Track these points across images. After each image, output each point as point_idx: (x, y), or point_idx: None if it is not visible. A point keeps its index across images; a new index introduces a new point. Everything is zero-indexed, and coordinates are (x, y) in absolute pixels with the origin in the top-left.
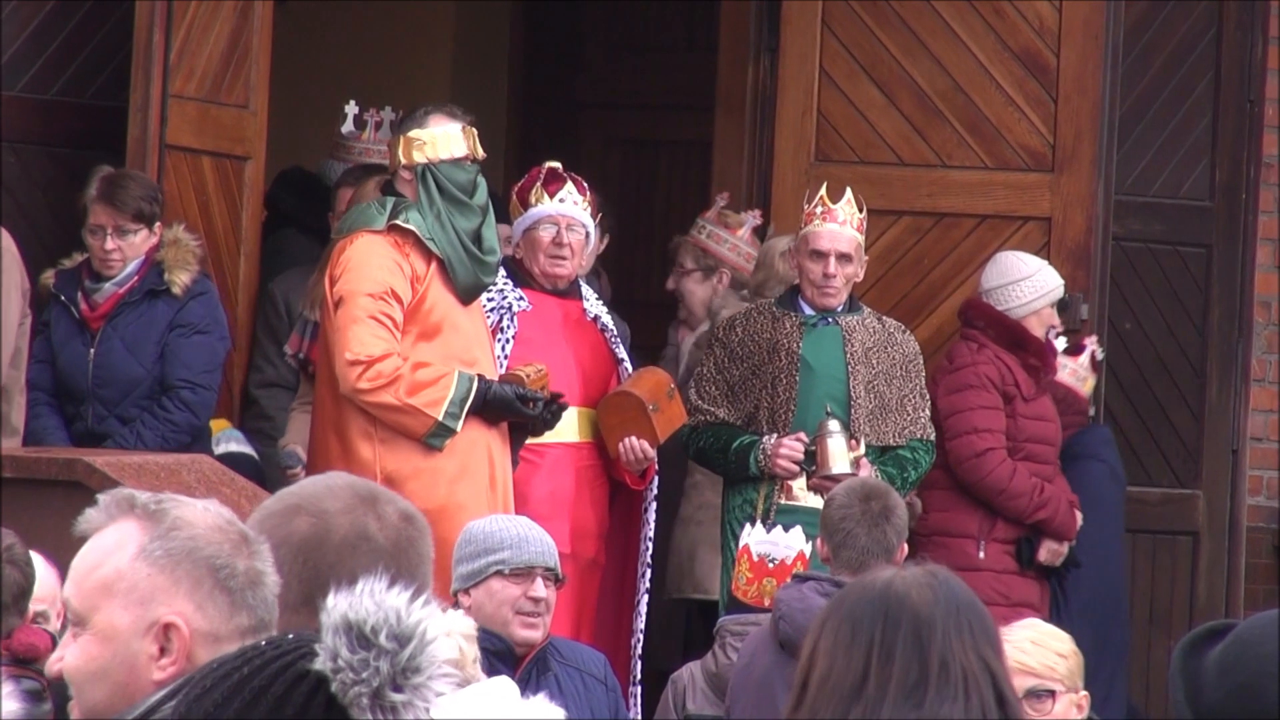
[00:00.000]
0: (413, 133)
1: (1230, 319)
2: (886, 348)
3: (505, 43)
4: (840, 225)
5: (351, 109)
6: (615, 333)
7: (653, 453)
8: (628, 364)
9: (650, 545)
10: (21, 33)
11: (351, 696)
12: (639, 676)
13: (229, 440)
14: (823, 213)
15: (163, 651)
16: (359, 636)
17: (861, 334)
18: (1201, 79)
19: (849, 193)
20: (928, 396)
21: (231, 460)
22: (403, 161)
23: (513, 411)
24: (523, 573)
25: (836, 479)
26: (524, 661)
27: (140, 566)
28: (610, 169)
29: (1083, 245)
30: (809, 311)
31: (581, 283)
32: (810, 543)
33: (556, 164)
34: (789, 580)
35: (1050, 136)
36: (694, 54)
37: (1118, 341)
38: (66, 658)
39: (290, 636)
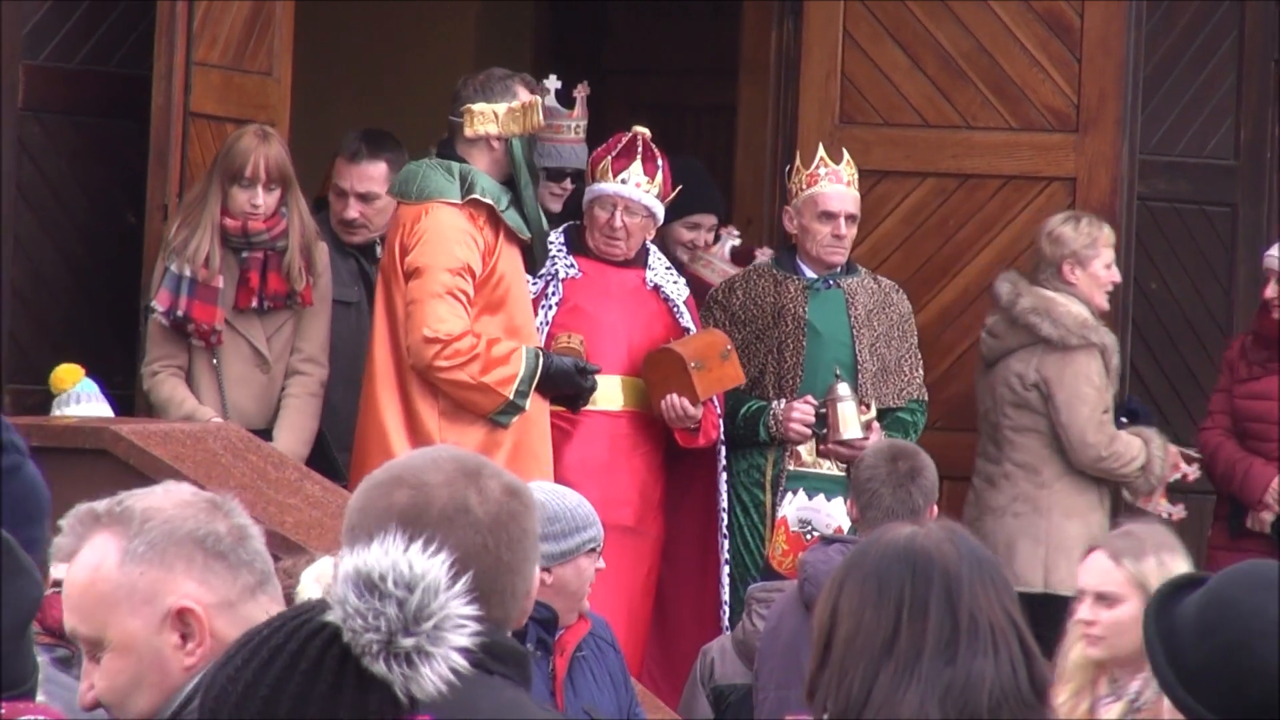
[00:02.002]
0: (513, 103)
1: (1256, 278)
2: (885, 309)
3: (530, 8)
4: (846, 186)
5: (553, 84)
6: (678, 302)
7: (695, 411)
8: (692, 333)
9: (725, 515)
10: (45, 2)
11: (363, 644)
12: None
13: (84, 398)
14: (827, 174)
15: (185, 638)
16: (367, 584)
17: (863, 296)
18: (1225, 38)
19: (846, 154)
20: (920, 356)
21: None
22: (494, 131)
23: (571, 384)
24: (600, 549)
25: (849, 444)
26: (565, 631)
27: (131, 569)
28: None
29: (1108, 205)
30: (809, 274)
31: (651, 250)
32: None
33: (645, 130)
34: (817, 543)
35: (1074, 97)
36: (718, 18)
37: (1144, 301)
38: (97, 684)
39: (311, 599)
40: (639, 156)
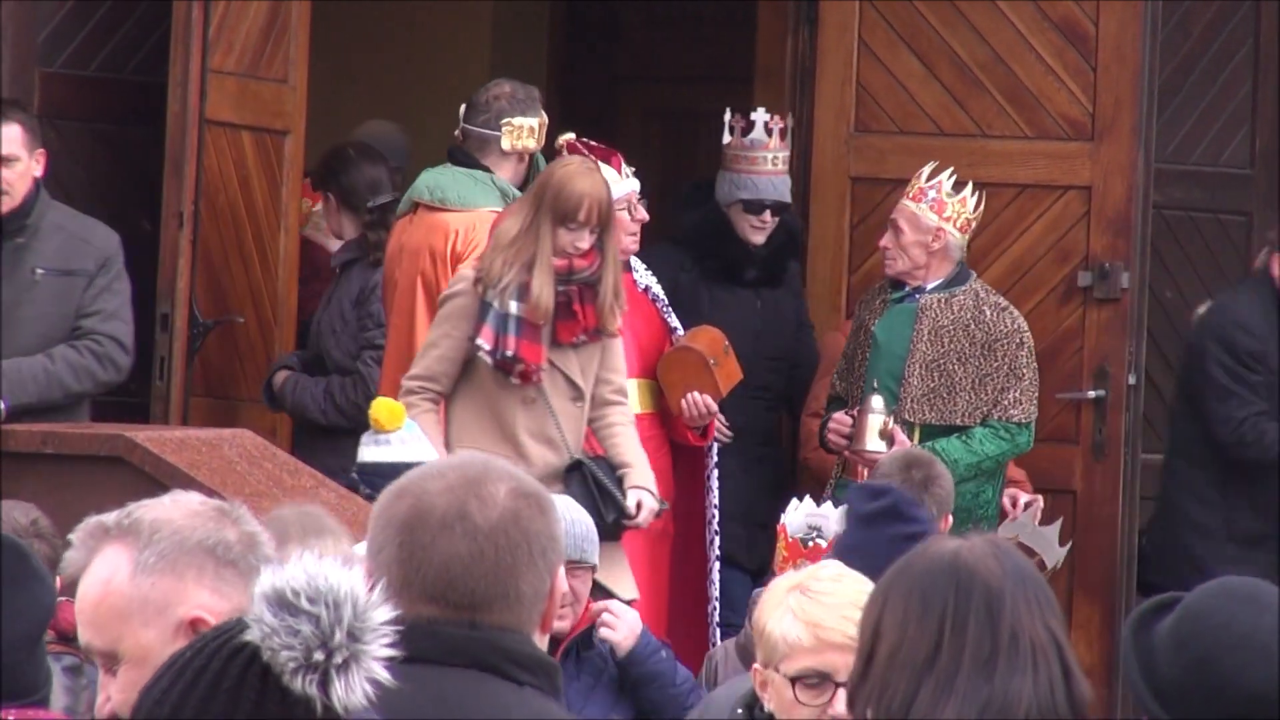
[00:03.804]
0: (540, 118)
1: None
2: (970, 325)
3: (545, 16)
4: (904, 198)
5: (761, 116)
6: (666, 302)
7: (715, 407)
8: (680, 332)
9: (716, 513)
10: (61, 9)
11: (280, 662)
12: (717, 643)
13: (408, 440)
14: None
15: None
16: (281, 602)
17: (937, 311)
18: (1241, 46)
19: (926, 170)
20: (1023, 376)
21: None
22: (532, 146)
23: None
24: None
25: (861, 455)
26: (564, 640)
27: (142, 580)
28: (650, 142)
29: (1123, 214)
30: (906, 288)
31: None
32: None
33: (571, 135)
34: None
35: (1090, 105)
36: (733, 26)
37: (1159, 310)
38: (114, 697)
39: (233, 619)
40: (608, 154)
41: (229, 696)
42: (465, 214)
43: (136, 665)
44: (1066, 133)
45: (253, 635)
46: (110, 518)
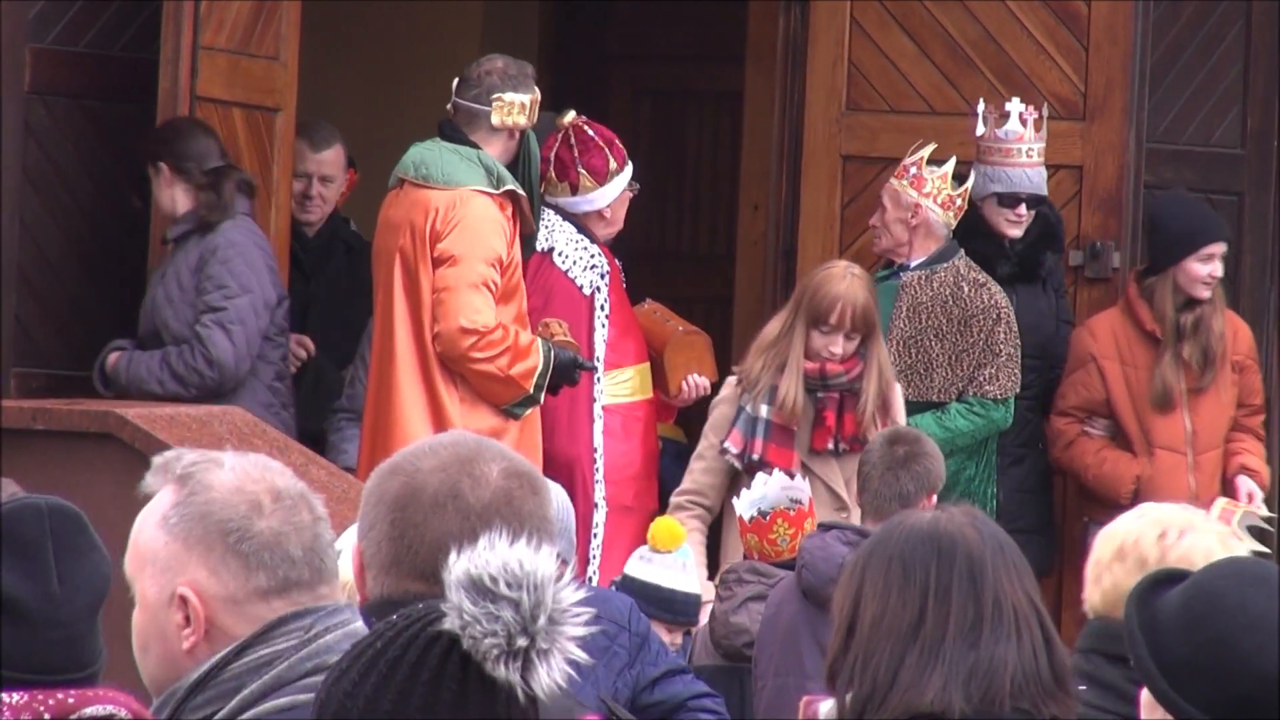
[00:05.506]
0: (533, 95)
1: (1262, 267)
2: (948, 302)
3: None
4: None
5: (1016, 107)
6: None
7: (709, 389)
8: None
9: None
10: None
11: (484, 649)
12: None
13: (686, 566)
14: None
15: (187, 620)
16: (479, 588)
17: (917, 289)
18: (1232, 27)
19: (923, 149)
20: (1000, 352)
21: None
22: (523, 123)
23: (568, 379)
24: None
25: None
26: None
27: (160, 535)
28: (640, 121)
29: (1114, 193)
30: (894, 266)
31: None
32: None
33: (573, 112)
34: (814, 530)
35: (1081, 85)
36: (724, 4)
37: None
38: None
39: (420, 606)
40: (609, 138)
41: (428, 688)
42: (447, 191)
43: (142, 609)
44: (1058, 112)
45: (450, 624)
46: (186, 458)
